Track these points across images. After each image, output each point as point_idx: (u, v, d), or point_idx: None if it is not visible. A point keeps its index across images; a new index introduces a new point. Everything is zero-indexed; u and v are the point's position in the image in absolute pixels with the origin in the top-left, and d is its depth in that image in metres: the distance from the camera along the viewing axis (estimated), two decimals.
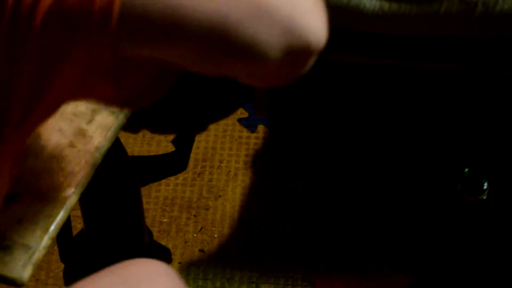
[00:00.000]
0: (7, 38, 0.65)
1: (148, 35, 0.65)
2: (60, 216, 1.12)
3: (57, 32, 0.65)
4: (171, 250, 1.85)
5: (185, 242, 1.86)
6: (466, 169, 1.74)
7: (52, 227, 1.11)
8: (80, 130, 1.20)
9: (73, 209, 1.15)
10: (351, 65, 1.91)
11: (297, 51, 0.65)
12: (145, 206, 1.91)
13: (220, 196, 1.92)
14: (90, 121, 1.21)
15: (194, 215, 1.90)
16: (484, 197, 1.73)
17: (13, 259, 1.09)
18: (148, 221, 1.88)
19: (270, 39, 0.64)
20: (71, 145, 1.19)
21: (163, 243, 1.86)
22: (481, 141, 1.91)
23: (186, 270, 1.82)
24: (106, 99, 0.71)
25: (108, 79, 0.67)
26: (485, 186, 1.73)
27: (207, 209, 1.91)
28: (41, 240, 1.10)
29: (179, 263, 1.83)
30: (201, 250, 1.85)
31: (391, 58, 1.75)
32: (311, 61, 0.67)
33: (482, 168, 1.74)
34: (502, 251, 1.78)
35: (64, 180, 1.15)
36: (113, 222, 1.68)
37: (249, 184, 1.93)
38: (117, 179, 1.61)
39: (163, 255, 1.83)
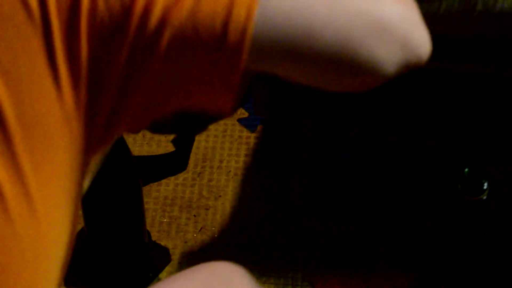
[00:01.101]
0: (127, 61, 0.65)
1: (273, 57, 0.66)
2: None
3: (179, 58, 0.65)
4: (171, 250, 1.85)
5: (185, 242, 1.86)
6: (466, 169, 1.73)
7: None
8: None
9: None
10: None
11: (410, 65, 0.67)
12: (145, 206, 1.91)
13: (220, 196, 1.92)
14: None
15: (194, 215, 1.90)
16: (484, 197, 1.73)
17: None
18: (148, 221, 1.88)
19: (389, 56, 0.66)
20: None
21: (163, 243, 1.86)
22: (481, 141, 1.91)
23: None
24: (219, 110, 0.71)
25: (225, 91, 0.68)
26: (485, 186, 1.72)
27: (207, 209, 1.91)
28: None
29: (179, 263, 1.83)
30: (201, 250, 1.85)
31: None
32: None
33: (482, 168, 1.74)
34: (502, 251, 1.78)
35: None
36: (114, 221, 1.68)
37: (249, 184, 1.93)
38: (119, 178, 1.61)
39: (162, 255, 1.83)
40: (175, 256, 1.84)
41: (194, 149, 1.99)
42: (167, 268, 1.82)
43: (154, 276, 1.81)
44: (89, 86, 0.64)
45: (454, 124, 1.95)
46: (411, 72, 1.94)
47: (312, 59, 0.66)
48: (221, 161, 1.97)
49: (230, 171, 1.96)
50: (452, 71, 1.83)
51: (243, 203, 1.90)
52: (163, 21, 0.63)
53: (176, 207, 1.92)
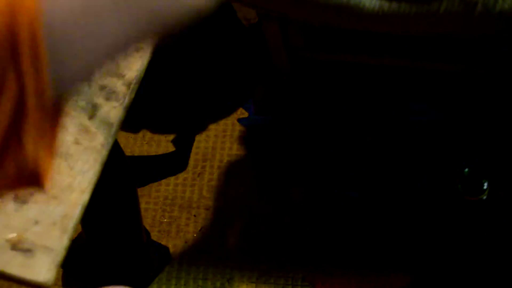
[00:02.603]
0: None
1: None
2: (76, 216, 1.11)
3: None
4: (171, 250, 1.85)
5: (185, 242, 1.86)
6: (466, 169, 1.74)
7: (70, 227, 1.10)
8: (83, 126, 1.19)
9: None
10: (351, 64, 1.91)
11: None
12: (145, 206, 1.91)
13: (220, 196, 1.92)
14: (91, 116, 1.20)
15: (194, 215, 1.90)
16: (484, 197, 1.73)
17: (37, 263, 1.08)
18: (148, 221, 1.88)
19: None
20: (76, 142, 1.17)
21: (163, 243, 1.86)
22: (481, 140, 1.91)
23: (186, 270, 1.82)
24: None
25: None
26: (485, 186, 1.73)
27: (207, 209, 1.91)
28: (61, 240, 1.09)
29: (179, 263, 1.83)
30: (201, 250, 1.85)
31: (390, 58, 1.75)
32: None
33: (482, 168, 1.74)
34: (502, 251, 1.78)
35: (74, 179, 1.14)
36: (111, 222, 1.68)
37: (249, 184, 1.93)
38: (114, 179, 1.61)
39: (161, 254, 1.83)
40: (175, 256, 1.84)
41: (194, 149, 1.99)
42: (167, 268, 1.83)
43: (154, 276, 1.81)
44: None
45: (454, 123, 1.95)
46: (411, 72, 1.92)
47: None
48: (221, 161, 1.97)
49: (230, 171, 1.96)
50: (452, 71, 1.84)
51: (243, 203, 1.91)
52: None
53: (176, 207, 1.92)
